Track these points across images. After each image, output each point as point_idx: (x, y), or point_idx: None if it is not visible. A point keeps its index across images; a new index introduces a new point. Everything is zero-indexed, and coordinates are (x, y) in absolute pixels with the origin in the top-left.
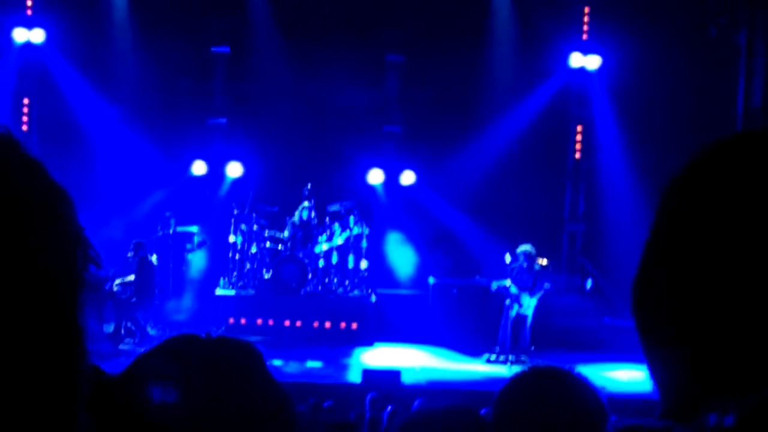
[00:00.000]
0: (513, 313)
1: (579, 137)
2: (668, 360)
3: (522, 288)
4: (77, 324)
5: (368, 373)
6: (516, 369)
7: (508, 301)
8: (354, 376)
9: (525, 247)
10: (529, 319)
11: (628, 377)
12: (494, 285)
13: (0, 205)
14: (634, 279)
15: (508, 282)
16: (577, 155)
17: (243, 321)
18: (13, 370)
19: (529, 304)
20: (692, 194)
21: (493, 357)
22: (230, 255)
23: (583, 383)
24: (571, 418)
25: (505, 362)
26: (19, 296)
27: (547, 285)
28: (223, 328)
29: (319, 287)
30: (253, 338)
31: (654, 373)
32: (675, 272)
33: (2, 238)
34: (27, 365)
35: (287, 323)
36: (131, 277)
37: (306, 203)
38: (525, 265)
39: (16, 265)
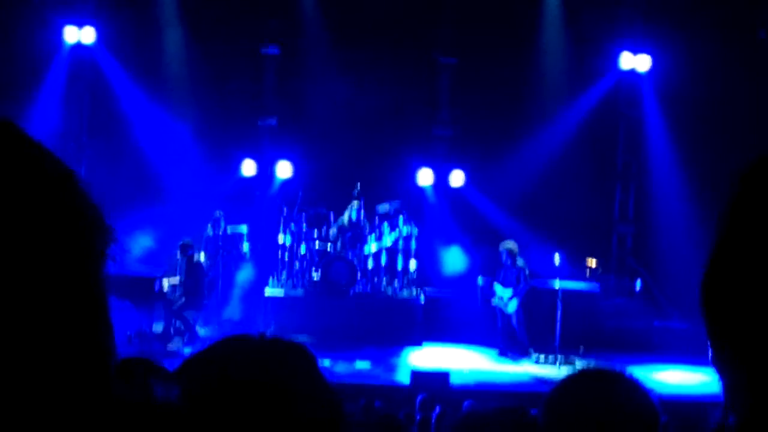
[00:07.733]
0: (507, 311)
1: (629, 138)
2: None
3: (506, 286)
4: (96, 297)
5: (417, 375)
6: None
7: (494, 301)
8: (403, 377)
9: (507, 244)
10: (515, 318)
11: (678, 379)
12: (480, 280)
13: (7, 188)
14: (704, 278)
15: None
16: (627, 156)
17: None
18: (36, 347)
19: (512, 302)
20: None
21: (542, 358)
22: (279, 255)
23: (635, 385)
24: (622, 420)
25: (514, 359)
26: (35, 275)
27: (529, 284)
28: (272, 327)
29: (368, 288)
30: (301, 338)
31: (722, 374)
32: (750, 272)
33: (17, 218)
34: (49, 341)
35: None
36: (176, 279)
37: (355, 203)
38: (508, 262)
39: (30, 243)
